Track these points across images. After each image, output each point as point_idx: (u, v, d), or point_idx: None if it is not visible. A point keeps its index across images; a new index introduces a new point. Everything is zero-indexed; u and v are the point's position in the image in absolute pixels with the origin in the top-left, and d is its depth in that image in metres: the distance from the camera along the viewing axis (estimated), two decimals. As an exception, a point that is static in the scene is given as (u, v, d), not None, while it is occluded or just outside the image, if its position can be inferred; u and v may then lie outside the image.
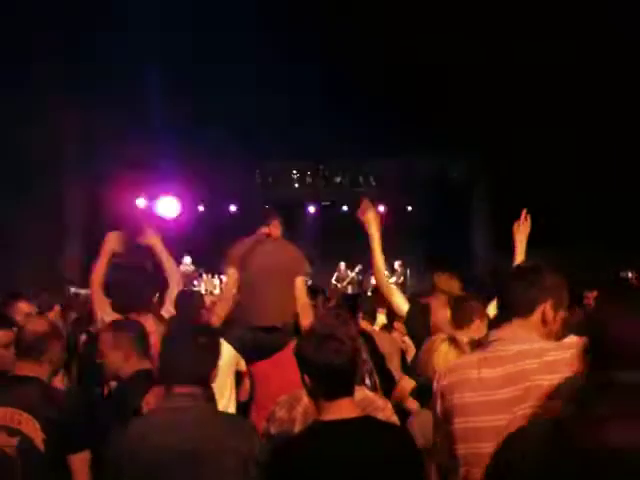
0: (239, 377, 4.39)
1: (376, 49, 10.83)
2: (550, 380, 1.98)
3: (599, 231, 10.97)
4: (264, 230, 5.18)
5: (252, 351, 4.30)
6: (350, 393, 2.30)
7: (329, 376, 2.27)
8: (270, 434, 2.78)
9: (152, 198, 16.46)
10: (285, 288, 4.90)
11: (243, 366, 4.35)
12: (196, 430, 2.25)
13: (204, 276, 15.47)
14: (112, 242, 4.50)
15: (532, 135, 11.52)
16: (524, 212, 4.77)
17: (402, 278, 15.67)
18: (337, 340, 2.29)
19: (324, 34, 10.66)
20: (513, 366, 2.07)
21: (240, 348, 4.33)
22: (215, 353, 2.50)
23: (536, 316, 2.18)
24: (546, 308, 2.19)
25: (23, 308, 4.20)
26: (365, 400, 2.80)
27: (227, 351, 4.13)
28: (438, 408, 2.18)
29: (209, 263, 15.79)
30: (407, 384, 3.84)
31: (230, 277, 5.13)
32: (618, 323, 1.66)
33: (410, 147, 13.92)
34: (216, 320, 4.73)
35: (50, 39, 10.69)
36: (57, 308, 6.50)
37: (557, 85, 10.45)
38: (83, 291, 10.73)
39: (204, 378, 2.43)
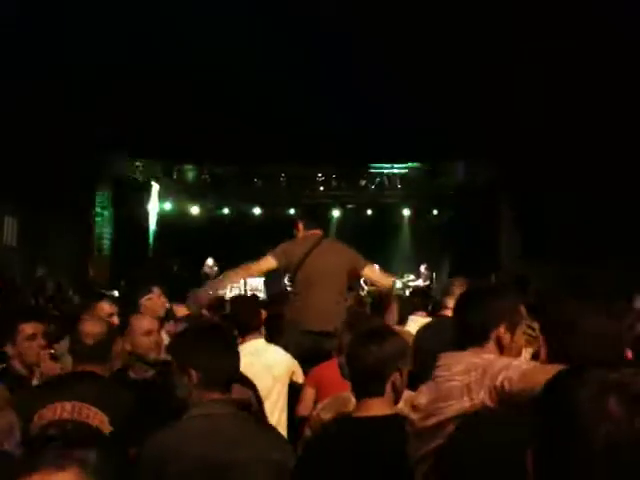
0: (292, 390, 4.12)
1: (404, 55, 10.82)
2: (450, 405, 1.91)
3: (625, 245, 10.80)
4: (315, 232, 5.17)
5: (312, 357, 4.16)
6: (379, 393, 2.33)
7: (358, 375, 2.37)
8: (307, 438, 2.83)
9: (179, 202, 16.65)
10: (340, 292, 4.93)
11: (300, 377, 4.12)
12: (233, 439, 2.22)
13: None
14: None
15: (559, 142, 11.42)
16: None
17: (428, 281, 15.64)
18: (374, 342, 2.35)
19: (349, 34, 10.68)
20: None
21: (299, 354, 4.23)
22: (239, 357, 2.48)
23: (491, 343, 2.08)
24: (500, 332, 2.09)
25: (105, 309, 4.20)
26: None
27: (283, 361, 4.08)
28: None
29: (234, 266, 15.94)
30: None
31: (263, 264, 5.08)
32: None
33: (436, 151, 13.88)
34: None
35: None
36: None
37: (587, 94, 10.35)
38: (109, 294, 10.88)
39: (232, 383, 2.43)
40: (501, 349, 2.09)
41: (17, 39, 9.64)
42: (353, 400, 2.64)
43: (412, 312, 5.30)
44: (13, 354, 3.40)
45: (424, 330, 3.92)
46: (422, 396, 2.07)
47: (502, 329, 2.09)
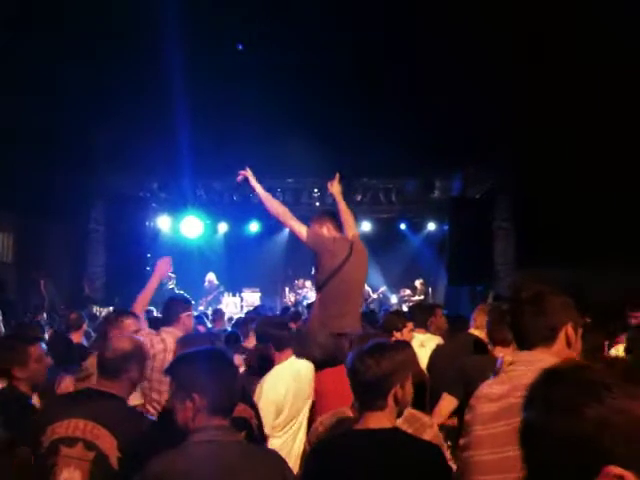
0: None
1: (402, 72, 10.89)
2: None
3: (622, 249, 10.85)
4: (344, 235, 5.25)
5: (332, 357, 4.20)
6: (379, 407, 2.34)
7: (359, 389, 2.43)
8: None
9: (176, 217, 16.65)
10: (361, 298, 5.17)
11: None
12: (235, 467, 2.22)
13: (226, 294, 15.58)
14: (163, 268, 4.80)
15: (555, 154, 11.48)
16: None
17: (423, 296, 15.66)
18: (372, 357, 2.38)
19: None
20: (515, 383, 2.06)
21: (321, 356, 4.23)
22: (239, 381, 2.50)
23: (560, 342, 2.15)
24: (568, 331, 2.16)
25: (130, 325, 4.21)
26: (412, 417, 2.84)
27: (307, 374, 4.10)
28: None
29: (231, 282, 15.92)
30: (449, 403, 3.91)
31: (296, 226, 5.18)
32: None
33: (431, 165, 13.94)
34: None
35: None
36: (85, 326, 6.63)
37: (584, 102, 10.42)
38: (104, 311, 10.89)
39: (232, 410, 2.41)
40: (569, 346, 2.16)
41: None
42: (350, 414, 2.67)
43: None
44: (22, 377, 3.43)
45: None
46: (495, 387, 2.12)
47: (569, 327, 2.16)
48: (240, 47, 10.95)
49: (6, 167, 10.79)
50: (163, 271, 4.96)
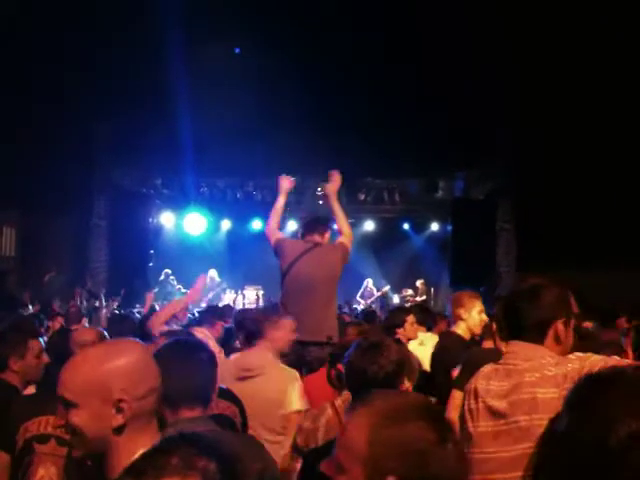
0: None
1: (407, 72, 10.88)
2: (544, 393, 1.95)
3: (621, 253, 10.82)
4: (316, 238, 5.14)
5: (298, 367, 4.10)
6: None
7: (355, 388, 2.42)
8: (297, 445, 2.84)
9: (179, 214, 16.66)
10: (329, 300, 4.91)
11: None
12: None
13: (227, 291, 15.57)
14: None
15: (558, 157, 11.47)
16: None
17: (425, 296, 15.63)
18: (372, 355, 2.37)
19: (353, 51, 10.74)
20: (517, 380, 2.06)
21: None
22: (216, 370, 2.41)
23: (549, 338, 2.11)
24: (558, 327, 2.12)
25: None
26: None
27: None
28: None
29: (233, 279, 15.92)
30: (459, 399, 3.88)
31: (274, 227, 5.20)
32: None
33: (435, 165, 13.93)
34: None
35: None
36: (84, 321, 6.64)
37: (586, 106, 10.40)
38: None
39: (209, 399, 2.34)
40: (559, 344, 2.10)
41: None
42: (330, 410, 2.65)
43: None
44: (18, 369, 3.38)
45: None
46: (492, 382, 2.10)
47: (560, 323, 2.11)
48: (237, 51, 10.97)
49: (9, 162, 10.81)
50: (198, 292, 4.89)
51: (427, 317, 6.04)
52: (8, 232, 13.41)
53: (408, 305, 13.70)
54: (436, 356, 4.60)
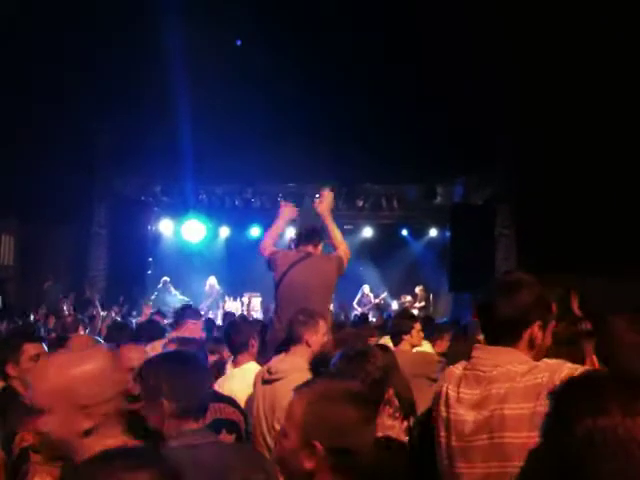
0: None
1: (406, 76, 10.89)
2: (512, 409, 1.88)
3: (621, 258, 10.82)
4: (310, 249, 5.14)
5: None
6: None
7: None
8: None
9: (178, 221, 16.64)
10: (324, 309, 4.82)
11: None
12: (216, 469, 2.16)
13: (227, 298, 15.55)
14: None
15: (557, 162, 11.47)
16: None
17: (424, 302, 15.62)
18: (358, 361, 2.36)
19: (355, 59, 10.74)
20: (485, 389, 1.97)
21: None
22: (211, 383, 2.45)
23: (523, 341, 2.01)
24: (534, 331, 2.02)
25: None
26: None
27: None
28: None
29: (232, 286, 15.89)
30: None
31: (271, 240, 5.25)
32: None
33: (433, 171, 13.93)
34: None
35: None
36: (81, 329, 6.62)
37: (586, 109, 10.41)
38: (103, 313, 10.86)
39: (204, 411, 2.34)
40: (532, 348, 2.02)
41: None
42: None
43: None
44: (15, 374, 3.36)
45: None
46: (463, 389, 2.03)
47: (536, 327, 2.02)
48: (239, 43, 10.95)
49: (8, 170, 10.80)
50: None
51: (430, 329, 6.12)
52: (7, 240, 13.39)
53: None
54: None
